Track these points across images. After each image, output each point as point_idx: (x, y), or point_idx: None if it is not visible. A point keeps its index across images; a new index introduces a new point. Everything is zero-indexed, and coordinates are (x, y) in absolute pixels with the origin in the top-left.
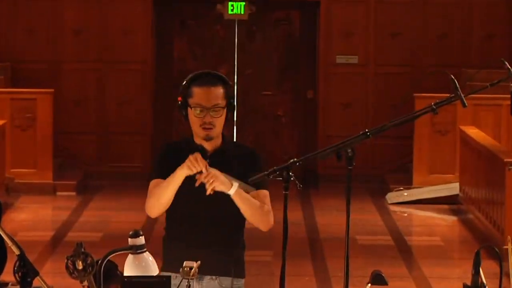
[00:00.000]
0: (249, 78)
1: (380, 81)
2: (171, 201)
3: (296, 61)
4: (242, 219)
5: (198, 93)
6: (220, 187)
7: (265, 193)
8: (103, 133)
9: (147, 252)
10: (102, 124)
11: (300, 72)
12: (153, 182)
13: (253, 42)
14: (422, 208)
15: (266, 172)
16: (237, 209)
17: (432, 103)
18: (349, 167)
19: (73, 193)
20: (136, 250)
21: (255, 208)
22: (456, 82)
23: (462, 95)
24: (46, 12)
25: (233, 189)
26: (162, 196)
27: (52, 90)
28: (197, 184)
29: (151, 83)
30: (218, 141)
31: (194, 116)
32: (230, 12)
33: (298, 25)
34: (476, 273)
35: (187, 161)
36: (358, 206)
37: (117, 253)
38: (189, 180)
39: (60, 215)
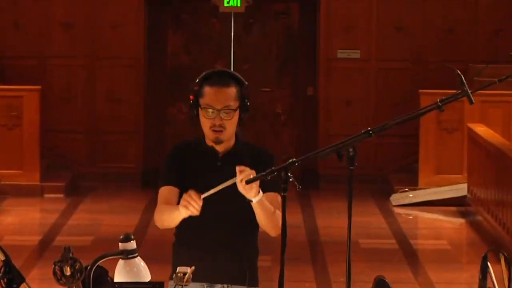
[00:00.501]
0: (246, 74)
1: (384, 77)
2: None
3: (295, 56)
4: (256, 222)
5: (209, 93)
6: (252, 190)
7: (275, 195)
8: (93, 132)
9: (138, 257)
10: (92, 122)
11: (299, 68)
12: (162, 190)
13: (250, 36)
14: (428, 210)
15: (263, 173)
16: (251, 212)
17: (438, 100)
18: (351, 167)
19: (62, 195)
20: (127, 255)
21: (270, 215)
22: (463, 77)
23: (469, 91)
24: (34, 5)
25: (258, 197)
26: (165, 223)
27: (40, 86)
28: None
29: (144, 79)
30: (230, 142)
31: (204, 117)
32: (226, 4)
33: (298, 18)
34: (483, 278)
35: (182, 202)
36: (360, 208)
37: (107, 258)
38: (201, 183)
39: (48, 218)
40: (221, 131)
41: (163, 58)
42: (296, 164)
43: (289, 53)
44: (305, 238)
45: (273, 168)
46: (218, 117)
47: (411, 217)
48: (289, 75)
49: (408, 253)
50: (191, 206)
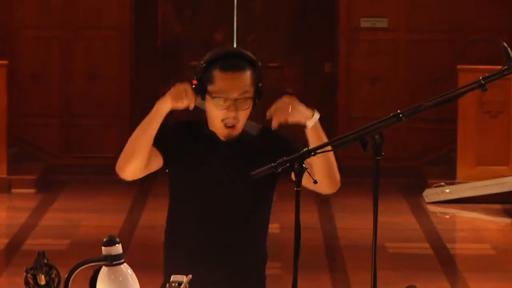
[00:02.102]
0: (252, 46)
1: (416, 50)
2: (148, 152)
3: (310, 25)
4: (266, 221)
5: (221, 80)
6: (295, 117)
7: None
8: (69, 117)
9: (125, 264)
10: (68, 105)
11: (315, 39)
12: None
13: (257, 1)
14: (468, 208)
15: (273, 164)
16: (261, 209)
17: (480, 78)
18: (377, 158)
19: (33, 191)
20: (112, 261)
21: (331, 157)
22: (510, 50)
23: None
24: None
25: (313, 119)
26: (138, 139)
27: (6, 62)
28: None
29: (129, 53)
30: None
31: (215, 108)
32: None
33: None
34: None
35: (172, 91)
36: (388, 206)
37: (88, 265)
38: (202, 172)
39: (16, 218)
40: (234, 125)
41: (152, 27)
42: (312, 153)
43: (303, 21)
44: (322, 241)
45: (284, 158)
46: (233, 107)
47: (447, 217)
48: (302, 48)
49: (444, 259)
50: (180, 100)
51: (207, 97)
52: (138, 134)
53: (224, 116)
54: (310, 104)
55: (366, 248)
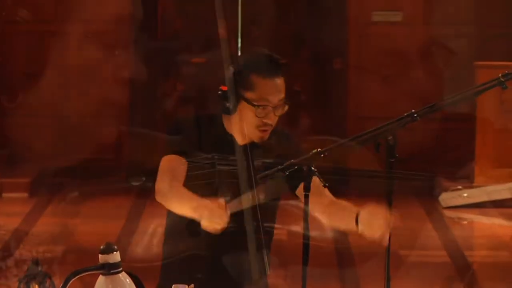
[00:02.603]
0: (257, 42)
1: (431, 45)
2: None
3: (318, 19)
4: (273, 229)
5: (262, 86)
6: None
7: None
8: (64, 116)
9: (123, 273)
10: (62, 104)
11: (324, 34)
12: (170, 161)
13: None
14: (486, 213)
15: (280, 167)
16: (268, 212)
17: (500, 75)
18: (390, 160)
19: (25, 195)
20: (110, 269)
21: None
22: None
23: None
24: None
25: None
26: (170, 207)
27: None
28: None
29: (128, 48)
30: None
31: (252, 115)
32: None
33: None
34: None
35: (208, 214)
36: (402, 211)
37: (84, 273)
38: (214, 172)
39: (8, 224)
40: (267, 130)
41: (152, 22)
42: (321, 155)
43: (311, 15)
44: (332, 248)
45: (292, 160)
46: (272, 114)
47: (465, 222)
48: (310, 43)
49: (461, 268)
50: (216, 222)
51: (243, 102)
52: (173, 207)
53: (260, 123)
54: (319, 102)
55: (379, 256)
